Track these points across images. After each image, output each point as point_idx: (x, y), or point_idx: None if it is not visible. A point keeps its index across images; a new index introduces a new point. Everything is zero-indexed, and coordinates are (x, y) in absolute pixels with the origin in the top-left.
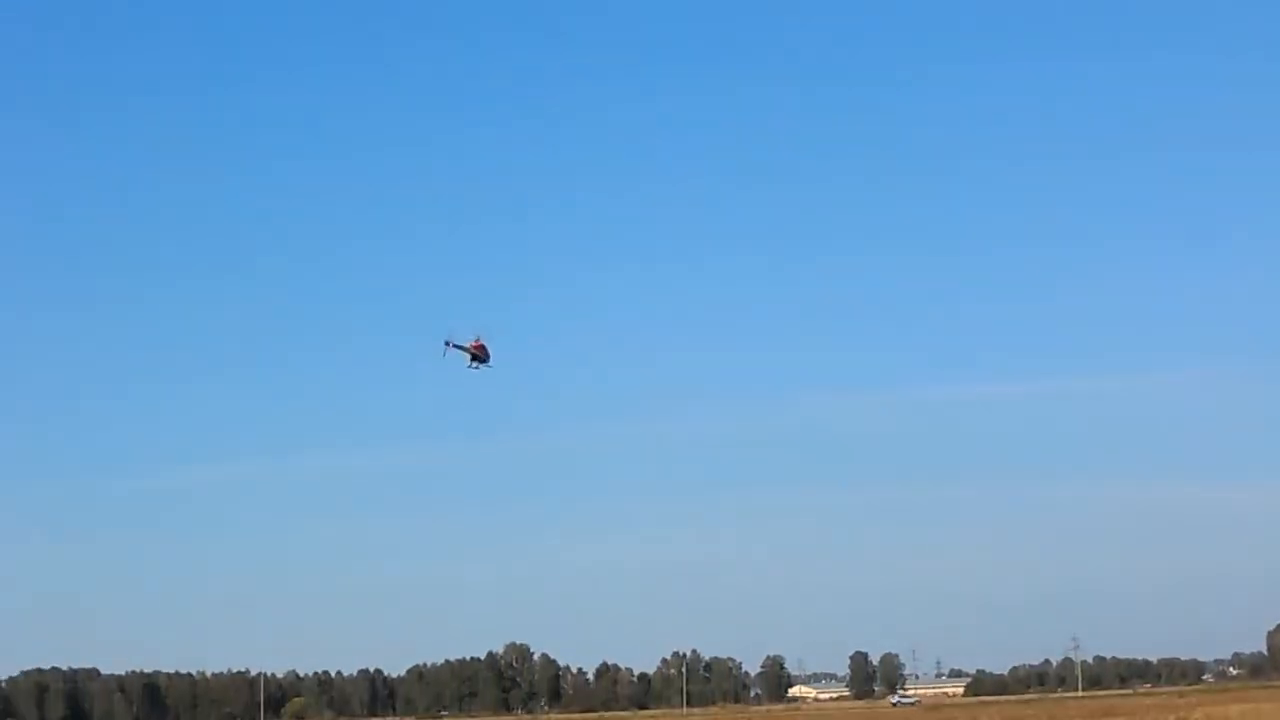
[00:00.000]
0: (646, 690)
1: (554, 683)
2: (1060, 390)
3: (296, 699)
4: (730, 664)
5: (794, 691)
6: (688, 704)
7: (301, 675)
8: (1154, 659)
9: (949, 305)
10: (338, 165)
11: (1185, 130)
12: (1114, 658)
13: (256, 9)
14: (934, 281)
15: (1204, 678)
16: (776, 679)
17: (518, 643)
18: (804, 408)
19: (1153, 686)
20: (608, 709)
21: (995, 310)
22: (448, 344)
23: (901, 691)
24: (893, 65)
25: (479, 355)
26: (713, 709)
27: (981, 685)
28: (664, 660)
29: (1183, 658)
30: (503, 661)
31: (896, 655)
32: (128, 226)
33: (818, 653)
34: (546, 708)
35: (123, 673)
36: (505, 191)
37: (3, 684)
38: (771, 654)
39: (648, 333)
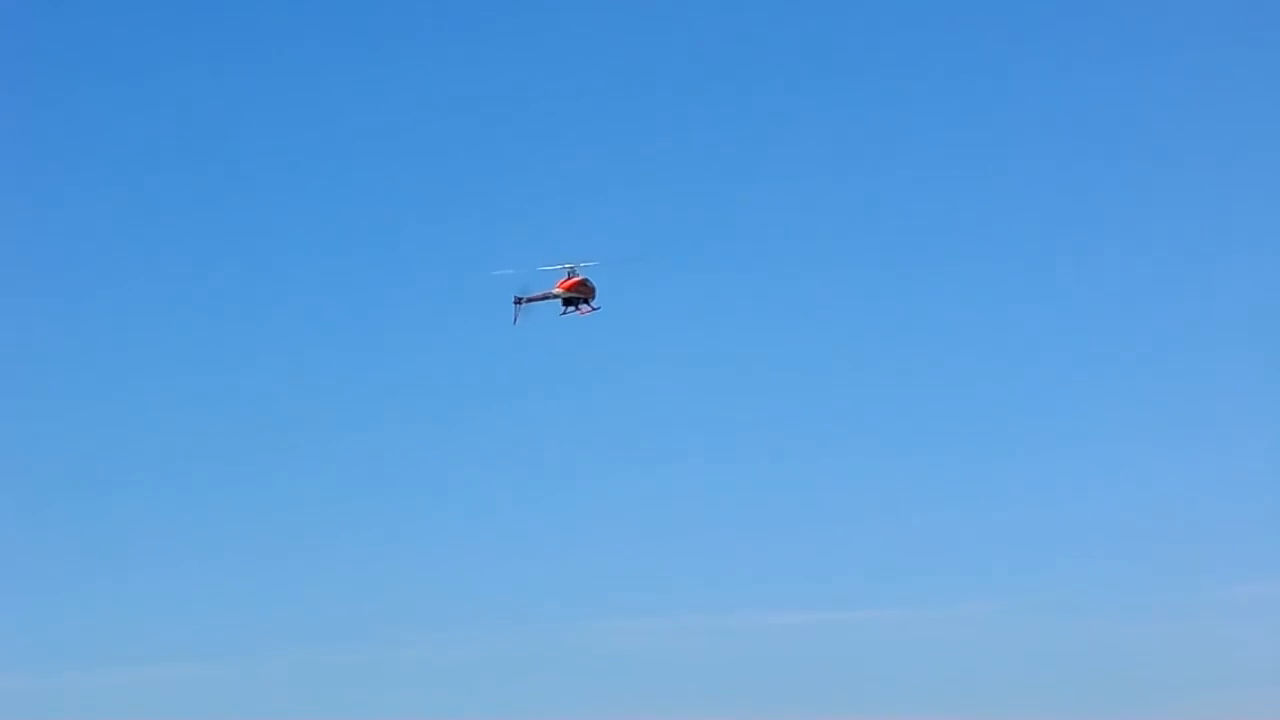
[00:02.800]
0: None
1: None
2: (860, 620)
3: None
4: None
5: None
6: None
7: None
8: None
9: (747, 529)
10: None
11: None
12: None
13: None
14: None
15: None
16: None
17: None
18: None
19: None
20: None
21: (792, 537)
22: (519, 302)
23: None
24: None
25: (576, 296)
26: None
27: None
28: None
29: None
30: None
31: None
32: None
33: None
34: None
35: None
36: None
37: None
38: None
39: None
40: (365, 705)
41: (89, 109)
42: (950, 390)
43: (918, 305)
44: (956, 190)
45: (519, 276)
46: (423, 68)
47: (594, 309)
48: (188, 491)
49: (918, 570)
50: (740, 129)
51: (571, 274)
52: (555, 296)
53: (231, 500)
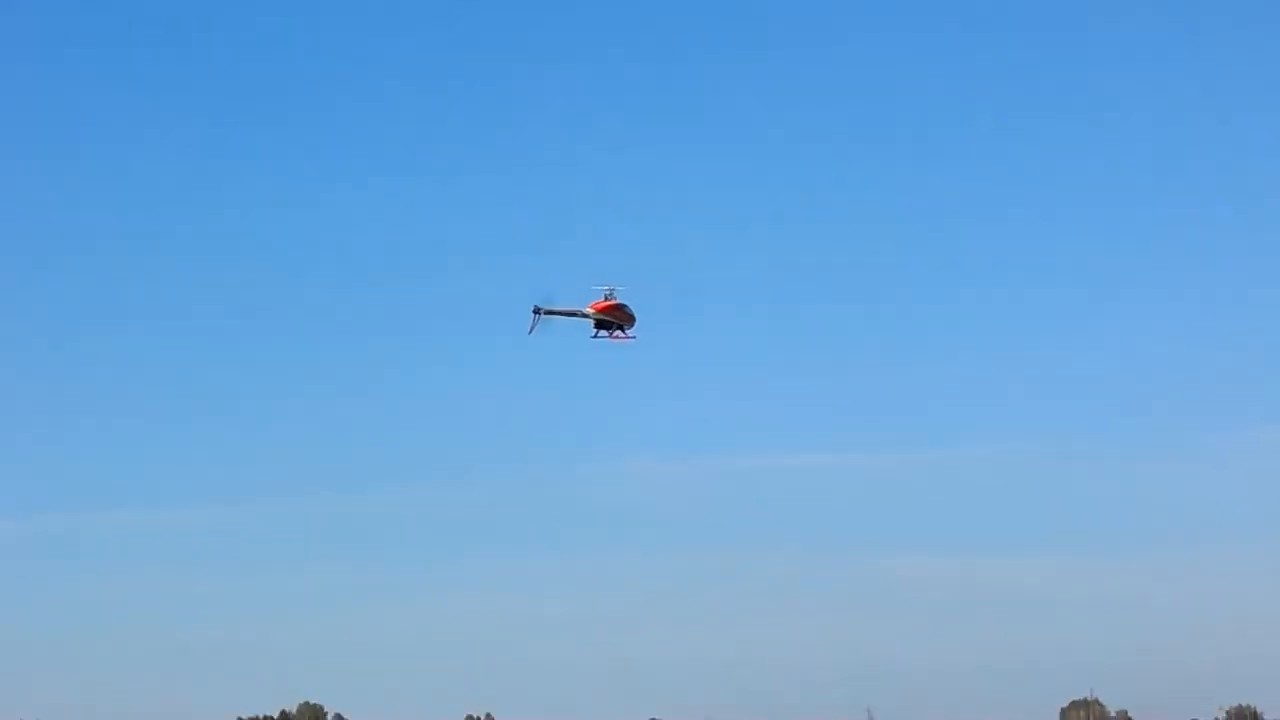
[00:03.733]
0: None
1: None
2: (857, 463)
3: None
4: None
5: None
6: None
7: None
8: None
9: (753, 374)
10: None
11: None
12: None
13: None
14: (738, 349)
15: None
16: None
17: (311, 701)
18: (606, 476)
19: None
20: None
21: (798, 382)
22: (538, 311)
23: None
24: None
25: (611, 321)
26: None
27: None
28: None
29: None
30: None
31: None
32: None
33: (615, 715)
34: None
35: None
36: None
37: None
38: (569, 718)
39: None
40: (376, 548)
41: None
42: (958, 237)
43: (919, 141)
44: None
45: (556, 291)
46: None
47: (630, 338)
48: (186, 340)
49: (926, 414)
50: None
51: (609, 296)
52: (584, 315)
53: (236, 348)
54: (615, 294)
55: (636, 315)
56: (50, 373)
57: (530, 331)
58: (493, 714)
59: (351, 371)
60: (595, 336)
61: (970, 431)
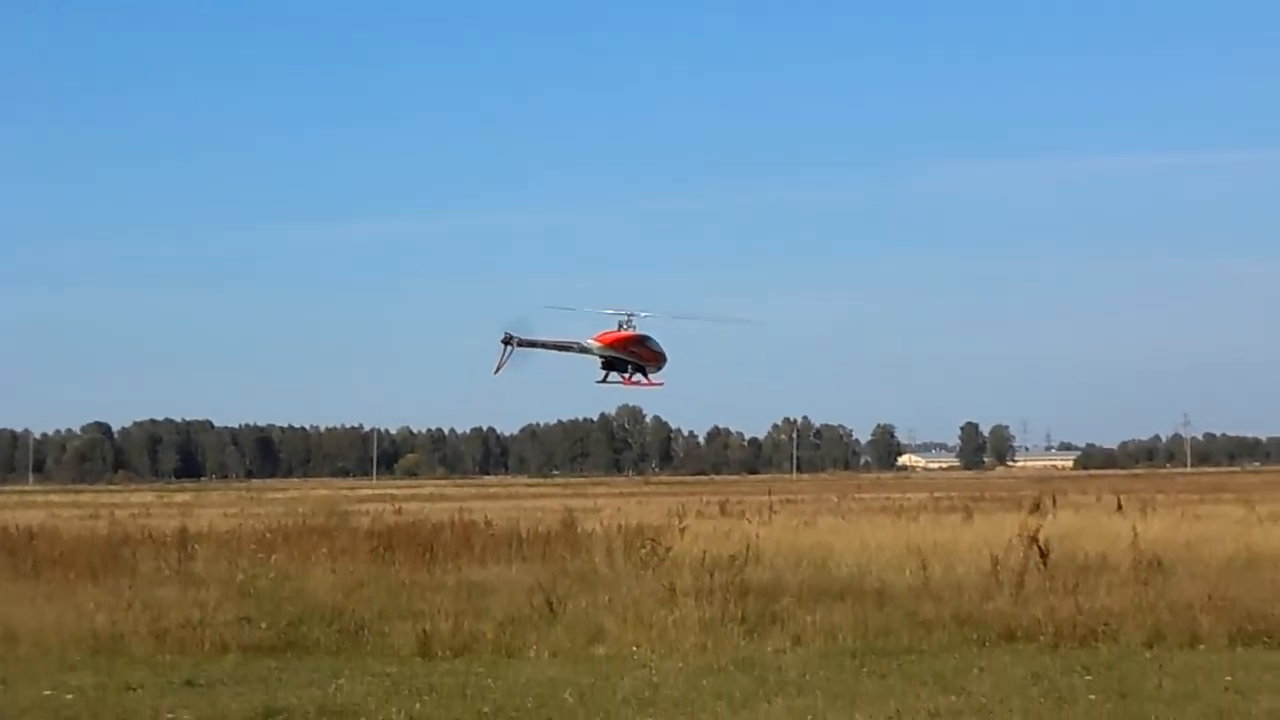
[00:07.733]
0: (757, 455)
1: (665, 445)
2: (1185, 164)
3: (410, 455)
4: (841, 431)
5: (903, 460)
6: (797, 469)
7: (415, 431)
8: (1264, 437)
9: (1097, 75)
10: None
11: None
12: (1224, 435)
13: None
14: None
15: None
16: (886, 447)
17: (630, 405)
18: (928, 175)
19: (1261, 465)
20: (718, 472)
21: (1125, 85)
22: (509, 342)
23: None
24: None
25: (625, 359)
26: (822, 474)
27: (1091, 459)
28: (775, 426)
29: None
30: (615, 423)
31: (1007, 427)
32: None
33: (928, 423)
34: (657, 469)
35: (236, 425)
36: None
37: (116, 434)
38: (882, 423)
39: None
40: None
41: None
42: None
43: None
44: None
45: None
46: None
47: (655, 383)
48: None
49: None
50: None
51: (625, 325)
52: (584, 350)
53: None
54: (634, 322)
55: (666, 351)
56: None
57: (496, 371)
58: (809, 418)
59: None
60: (604, 381)
61: None
